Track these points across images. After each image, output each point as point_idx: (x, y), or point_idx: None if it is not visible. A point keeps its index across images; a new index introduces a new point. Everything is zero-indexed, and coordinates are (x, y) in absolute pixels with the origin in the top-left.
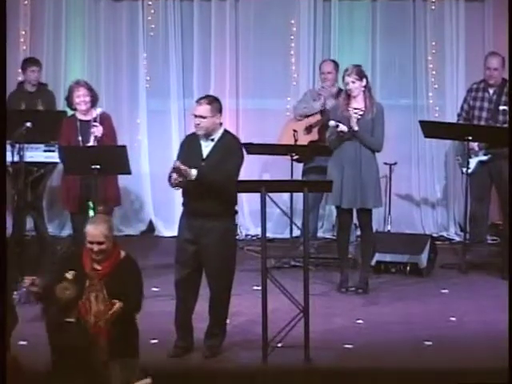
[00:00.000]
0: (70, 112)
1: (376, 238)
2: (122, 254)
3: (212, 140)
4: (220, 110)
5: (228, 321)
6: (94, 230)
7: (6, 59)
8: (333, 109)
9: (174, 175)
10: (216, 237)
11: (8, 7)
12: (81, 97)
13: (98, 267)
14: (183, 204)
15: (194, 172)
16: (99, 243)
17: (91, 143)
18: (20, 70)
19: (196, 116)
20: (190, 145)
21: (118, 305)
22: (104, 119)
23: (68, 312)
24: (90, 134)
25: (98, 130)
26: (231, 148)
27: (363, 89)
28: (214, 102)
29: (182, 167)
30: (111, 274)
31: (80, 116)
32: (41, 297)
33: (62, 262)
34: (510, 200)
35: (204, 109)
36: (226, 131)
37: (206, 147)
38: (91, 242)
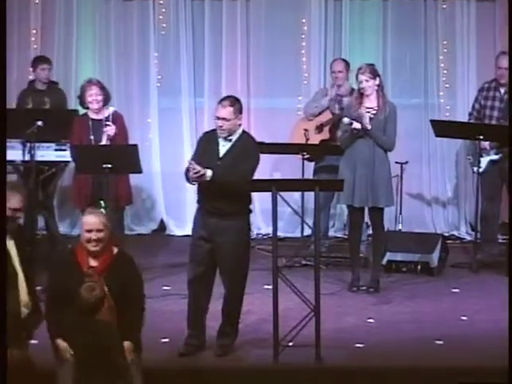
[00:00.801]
0: (81, 111)
1: (387, 237)
2: (115, 249)
3: (230, 140)
4: (241, 111)
5: (239, 320)
6: (92, 218)
7: (5, 59)
8: (346, 107)
9: (190, 173)
10: (230, 236)
11: (19, 6)
12: (93, 95)
13: (95, 263)
14: (198, 202)
15: (209, 173)
16: (98, 230)
17: (103, 142)
18: (31, 69)
19: (219, 118)
20: (207, 143)
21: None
22: (116, 118)
23: (95, 311)
24: (102, 133)
25: (110, 130)
26: (248, 149)
27: (376, 88)
28: (237, 103)
29: (197, 168)
30: (109, 270)
31: (92, 115)
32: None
33: (57, 262)
34: (510, 200)
35: (227, 111)
36: (243, 132)
37: (224, 147)
38: (90, 231)
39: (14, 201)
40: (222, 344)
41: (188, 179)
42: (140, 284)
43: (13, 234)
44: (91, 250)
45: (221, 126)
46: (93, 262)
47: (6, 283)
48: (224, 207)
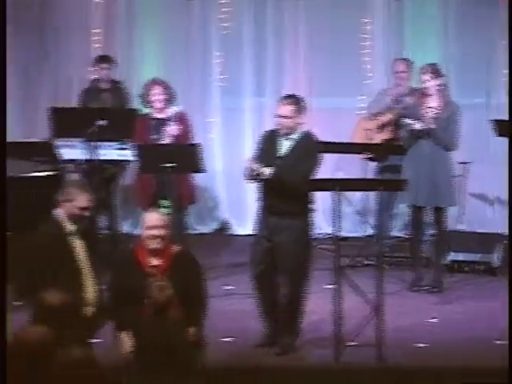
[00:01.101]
0: (144, 110)
1: (449, 237)
2: (176, 248)
3: (290, 139)
4: (303, 111)
5: (301, 319)
6: (154, 215)
7: (5, 59)
8: (408, 107)
9: (249, 172)
10: (290, 235)
11: (80, 6)
12: (156, 95)
13: (156, 262)
14: (259, 200)
15: (268, 170)
16: (160, 228)
17: (166, 142)
18: (92, 68)
19: (278, 116)
20: (267, 142)
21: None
22: (180, 118)
23: (166, 310)
24: (164, 133)
25: (172, 130)
26: (308, 149)
27: (439, 87)
28: (298, 102)
29: (255, 167)
30: (171, 268)
31: (155, 114)
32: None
33: (118, 261)
34: (509, 200)
35: (287, 109)
36: (306, 131)
37: (284, 146)
38: (151, 227)
39: (81, 200)
40: (283, 343)
41: (247, 179)
42: (202, 281)
43: (81, 234)
44: (152, 247)
45: (280, 124)
46: (154, 261)
47: (72, 282)
48: (283, 206)
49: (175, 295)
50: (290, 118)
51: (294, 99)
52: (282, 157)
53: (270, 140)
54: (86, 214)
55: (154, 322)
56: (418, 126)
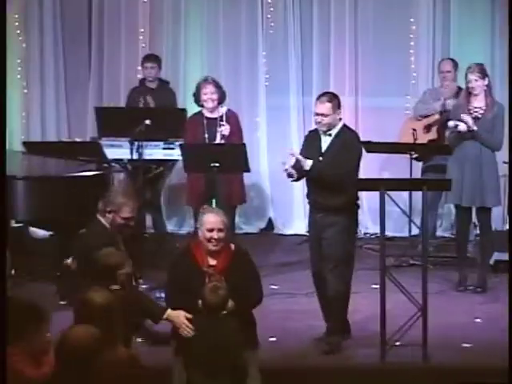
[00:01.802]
0: (196, 109)
1: (495, 237)
2: (233, 247)
3: (330, 135)
4: (339, 106)
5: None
6: (214, 217)
7: (5, 59)
8: (453, 108)
9: (289, 163)
10: (334, 232)
11: (127, 5)
12: (208, 94)
13: (214, 262)
14: (307, 196)
15: (309, 162)
16: (219, 230)
17: (217, 141)
18: (139, 68)
19: (317, 114)
20: (311, 140)
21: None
22: (230, 117)
23: (220, 311)
24: (216, 132)
25: (225, 129)
26: (348, 143)
27: (485, 87)
28: (334, 99)
29: (297, 155)
30: (230, 268)
31: (207, 113)
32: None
33: (175, 260)
34: (509, 201)
35: (325, 107)
36: (344, 126)
37: (325, 142)
38: (211, 230)
39: (125, 211)
40: (330, 341)
41: (287, 173)
42: (259, 279)
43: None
44: (212, 249)
45: (319, 122)
46: (212, 261)
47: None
48: (328, 202)
49: (231, 296)
50: (328, 115)
51: (329, 96)
52: (324, 153)
53: (312, 138)
54: (131, 223)
55: (208, 324)
56: (460, 128)
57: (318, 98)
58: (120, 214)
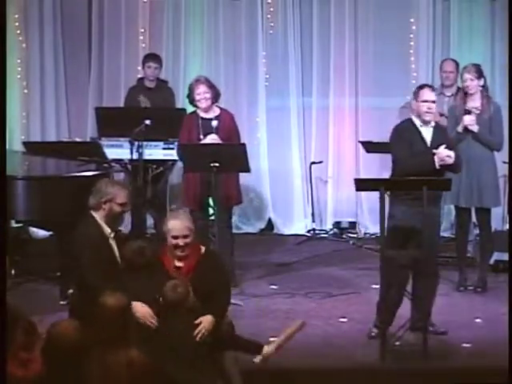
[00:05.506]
0: (191, 109)
1: (495, 237)
2: (203, 249)
3: (430, 125)
4: None
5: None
6: (179, 225)
7: (5, 59)
8: (450, 108)
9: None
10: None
11: (127, 5)
12: (201, 94)
13: (181, 264)
14: None
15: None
16: (185, 236)
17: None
18: (139, 67)
19: (427, 101)
20: (407, 133)
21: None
22: (225, 118)
23: (179, 307)
24: (210, 132)
25: (212, 139)
26: (446, 132)
27: (480, 88)
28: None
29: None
30: (196, 270)
31: (201, 113)
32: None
33: (144, 266)
34: (509, 201)
35: (433, 95)
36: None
37: (426, 133)
38: (176, 237)
39: (121, 196)
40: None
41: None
42: (227, 282)
43: (116, 238)
44: (179, 255)
45: (430, 109)
46: (178, 263)
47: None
48: None
49: (190, 296)
50: (435, 102)
51: (431, 86)
52: (431, 144)
53: (408, 130)
54: (126, 209)
55: (165, 321)
56: (459, 128)
57: (424, 86)
58: (116, 200)
